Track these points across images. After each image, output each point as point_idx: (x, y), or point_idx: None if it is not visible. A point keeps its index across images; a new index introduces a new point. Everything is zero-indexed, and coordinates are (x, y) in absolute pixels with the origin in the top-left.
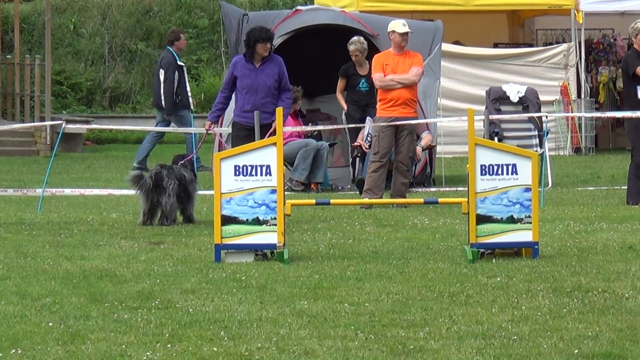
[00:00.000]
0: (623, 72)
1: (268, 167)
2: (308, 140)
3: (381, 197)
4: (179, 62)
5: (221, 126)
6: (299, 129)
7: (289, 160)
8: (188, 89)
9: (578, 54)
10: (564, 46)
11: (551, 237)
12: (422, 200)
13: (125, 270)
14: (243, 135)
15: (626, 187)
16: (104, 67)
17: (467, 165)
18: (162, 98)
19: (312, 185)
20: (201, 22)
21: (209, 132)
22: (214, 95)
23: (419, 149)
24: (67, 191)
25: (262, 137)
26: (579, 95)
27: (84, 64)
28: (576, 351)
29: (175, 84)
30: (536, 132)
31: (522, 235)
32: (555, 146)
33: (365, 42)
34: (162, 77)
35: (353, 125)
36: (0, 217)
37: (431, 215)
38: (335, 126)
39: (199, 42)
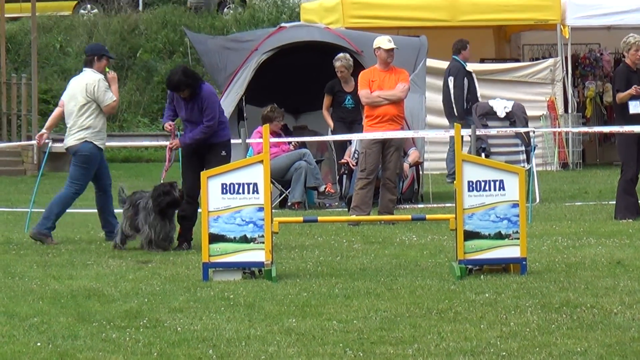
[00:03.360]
0: (613, 86)
1: (255, 184)
2: (296, 157)
3: (369, 214)
4: (467, 69)
5: None
6: (288, 139)
7: (275, 176)
8: (478, 94)
9: (564, 68)
10: (550, 61)
11: (539, 253)
12: (409, 216)
13: (113, 290)
14: (192, 156)
15: (614, 202)
16: None
17: (455, 182)
18: (454, 105)
19: (296, 205)
20: (187, 40)
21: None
22: None
23: (406, 165)
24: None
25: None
26: (565, 110)
27: None
28: None
29: (465, 91)
30: (523, 148)
31: (510, 251)
32: (542, 161)
33: (351, 58)
34: (451, 85)
35: (339, 137)
36: None
37: (419, 231)
38: (320, 138)
39: (186, 60)
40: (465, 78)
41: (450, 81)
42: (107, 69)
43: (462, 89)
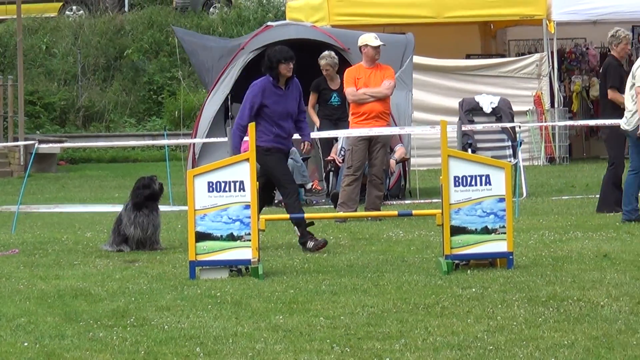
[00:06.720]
0: (604, 81)
1: (242, 182)
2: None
3: (355, 211)
4: None
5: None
6: None
7: None
8: None
9: (550, 63)
10: (536, 56)
11: (526, 247)
12: (396, 212)
13: (100, 289)
14: (279, 157)
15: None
16: (77, 87)
17: (441, 177)
18: None
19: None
20: (174, 40)
21: None
22: (189, 111)
23: (392, 161)
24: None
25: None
26: (552, 105)
27: (57, 83)
28: None
29: None
30: (510, 143)
31: (497, 245)
32: (529, 156)
33: (336, 56)
34: None
35: (325, 135)
36: None
37: (406, 227)
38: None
39: (172, 60)
40: None
41: None
42: None
43: None
